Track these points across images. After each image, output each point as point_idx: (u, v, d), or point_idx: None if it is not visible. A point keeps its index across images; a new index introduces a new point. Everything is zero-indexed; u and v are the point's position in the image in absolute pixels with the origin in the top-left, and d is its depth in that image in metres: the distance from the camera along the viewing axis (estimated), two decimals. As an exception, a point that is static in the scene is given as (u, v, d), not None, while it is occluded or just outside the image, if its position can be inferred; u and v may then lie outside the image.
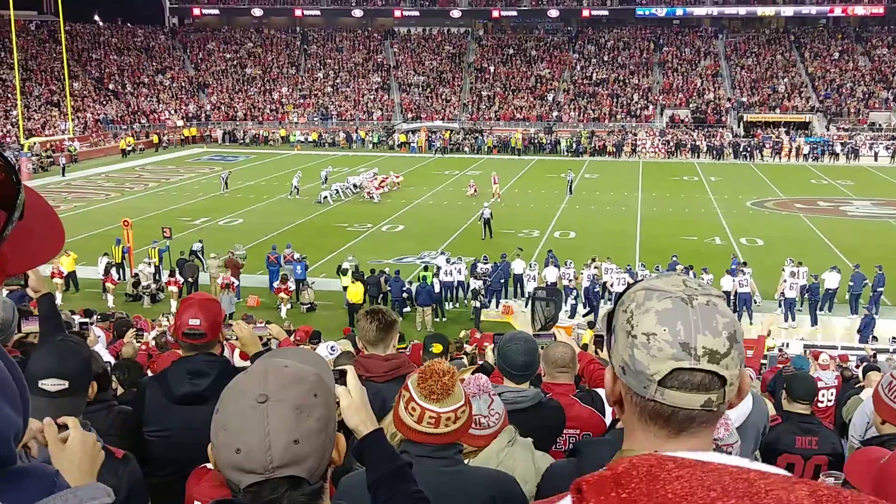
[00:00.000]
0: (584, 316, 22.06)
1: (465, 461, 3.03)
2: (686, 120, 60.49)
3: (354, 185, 38.96)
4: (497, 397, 3.23)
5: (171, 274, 23.85)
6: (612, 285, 23.14)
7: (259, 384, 1.36)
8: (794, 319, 21.87)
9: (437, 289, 22.36)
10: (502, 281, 23.51)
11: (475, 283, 22.66)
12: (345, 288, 22.31)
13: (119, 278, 24.56)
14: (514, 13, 74.80)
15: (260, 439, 1.32)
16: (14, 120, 52.48)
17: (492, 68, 69.52)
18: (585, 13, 73.30)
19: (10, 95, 56.32)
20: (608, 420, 4.33)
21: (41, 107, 58.62)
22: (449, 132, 59.55)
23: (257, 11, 76.70)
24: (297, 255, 24.54)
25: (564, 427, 3.99)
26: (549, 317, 9.92)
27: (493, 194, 36.44)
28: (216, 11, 77.74)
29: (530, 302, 18.05)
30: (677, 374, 1.17)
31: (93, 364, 3.66)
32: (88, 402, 3.55)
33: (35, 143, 49.35)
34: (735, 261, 23.69)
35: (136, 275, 24.46)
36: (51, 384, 2.81)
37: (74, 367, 2.88)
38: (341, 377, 2.18)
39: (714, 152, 53.65)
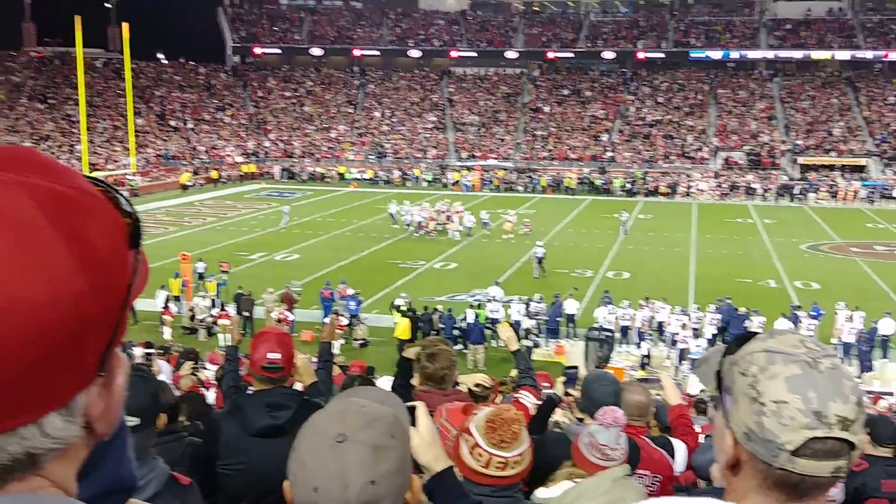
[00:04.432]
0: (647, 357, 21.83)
1: (577, 480, 3.05)
2: (741, 162, 59.93)
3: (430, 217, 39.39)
4: (624, 433, 3.26)
5: (223, 307, 24.24)
6: (668, 325, 23.00)
7: (337, 423, 1.36)
8: (850, 365, 21.39)
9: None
10: (558, 319, 23.45)
11: (528, 323, 22.61)
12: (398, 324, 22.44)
13: (177, 311, 25.05)
14: (570, 54, 75.15)
15: (337, 479, 1.31)
16: (78, 154, 54.10)
17: (546, 108, 69.81)
18: (640, 55, 73.30)
19: (75, 130, 58.13)
20: (677, 468, 4.30)
21: (105, 142, 60.38)
22: (503, 171, 59.85)
23: (317, 51, 78.21)
24: (350, 291, 24.74)
25: (637, 466, 3.99)
26: (602, 357, 9.85)
27: (506, 231, 36.91)
28: (277, 51, 79.41)
29: (584, 342, 17.94)
30: (810, 443, 1.14)
31: (163, 395, 3.75)
32: (159, 433, 3.65)
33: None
34: (815, 308, 23.28)
35: (193, 308, 24.95)
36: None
37: (144, 403, 2.82)
38: (410, 413, 2.21)
39: (785, 194, 52.90)
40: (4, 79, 64.20)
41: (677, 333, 22.32)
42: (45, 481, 0.76)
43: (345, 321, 23.18)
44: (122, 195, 0.82)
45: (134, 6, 70.83)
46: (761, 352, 1.19)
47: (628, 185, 55.91)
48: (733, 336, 1.79)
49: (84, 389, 0.76)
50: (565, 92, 71.98)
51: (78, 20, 51.41)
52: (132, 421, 2.62)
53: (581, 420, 4.33)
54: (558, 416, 6.71)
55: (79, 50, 54.26)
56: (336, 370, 5.05)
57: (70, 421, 0.75)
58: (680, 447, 4.51)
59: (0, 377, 0.67)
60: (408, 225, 39.18)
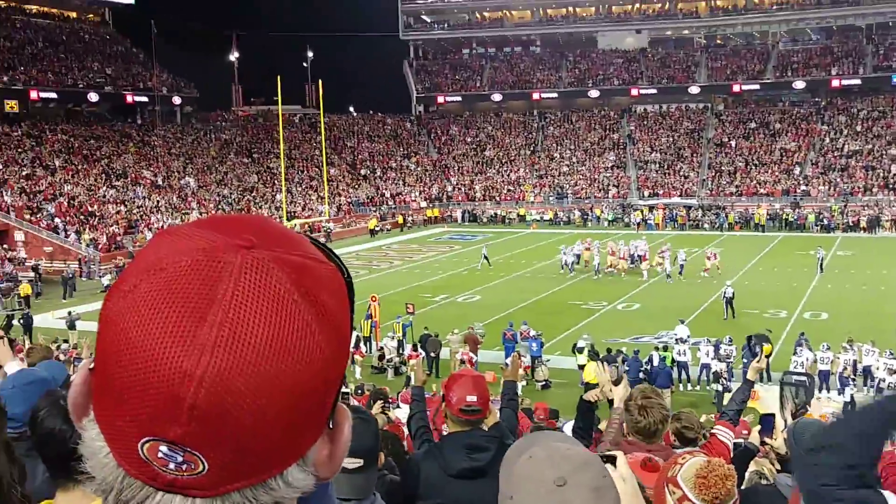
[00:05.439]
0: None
1: None
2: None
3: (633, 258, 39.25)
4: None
5: (414, 348, 24.95)
6: (877, 370, 21.42)
7: (551, 468, 1.33)
8: None
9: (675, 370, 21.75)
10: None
11: (717, 366, 21.79)
12: (580, 366, 22.20)
13: (367, 351, 26.05)
14: (757, 86, 72.46)
15: None
16: (278, 203, 57.83)
17: (733, 143, 67.47)
18: (835, 83, 69.52)
19: (275, 181, 62.25)
20: None
21: (302, 191, 64.11)
22: (687, 209, 58.28)
23: (497, 97, 79.82)
24: (533, 332, 24.80)
25: None
26: (800, 403, 9.36)
27: (704, 270, 36.36)
28: (458, 98, 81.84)
29: (779, 387, 17.05)
30: None
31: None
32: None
33: (296, 224, 53.99)
34: None
35: (382, 348, 25.86)
36: (348, 462, 2.77)
37: (368, 445, 2.88)
38: (610, 462, 2.14)
39: None
40: (215, 137, 69.91)
41: (884, 379, 20.74)
42: None
43: (527, 362, 23.22)
44: (335, 254, 0.86)
45: (328, 64, 75.90)
46: None
47: (825, 220, 52.91)
48: None
49: (316, 441, 0.82)
50: (752, 125, 69.32)
51: (279, 80, 55.58)
52: (355, 463, 2.80)
53: (786, 472, 4.11)
54: (752, 465, 6.47)
55: (279, 107, 58.64)
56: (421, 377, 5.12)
57: (306, 471, 0.81)
58: (893, 499, 4.20)
59: (259, 442, 0.73)
60: (567, 265, 39.17)
